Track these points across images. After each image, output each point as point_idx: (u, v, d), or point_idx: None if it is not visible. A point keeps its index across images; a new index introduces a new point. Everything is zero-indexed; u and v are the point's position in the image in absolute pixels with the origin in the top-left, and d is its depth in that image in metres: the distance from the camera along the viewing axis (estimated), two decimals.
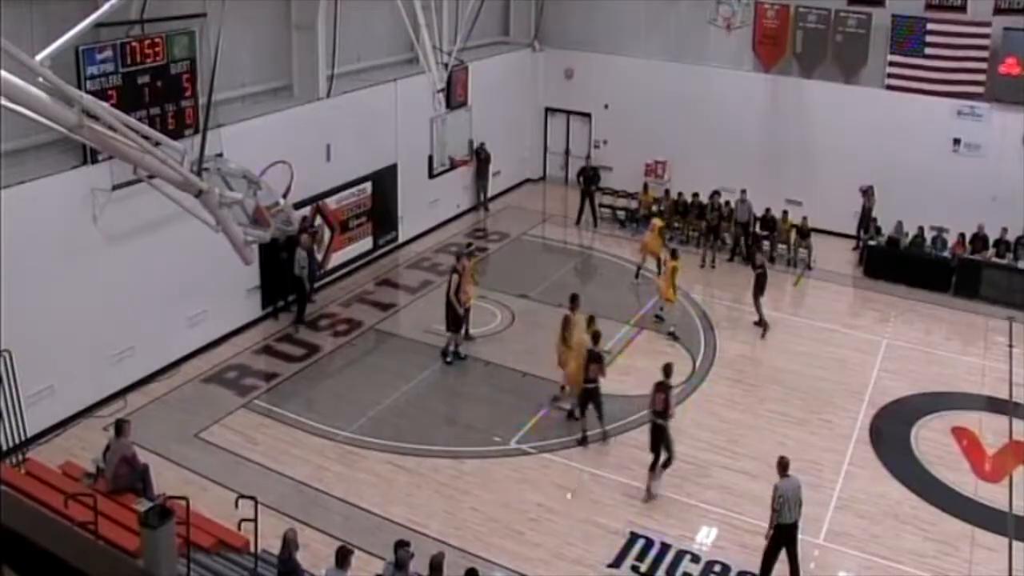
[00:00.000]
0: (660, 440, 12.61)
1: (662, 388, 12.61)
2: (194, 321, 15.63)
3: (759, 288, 17.73)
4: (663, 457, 12.67)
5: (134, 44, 13.19)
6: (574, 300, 14.99)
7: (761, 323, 17.69)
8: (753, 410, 14.87)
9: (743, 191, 21.18)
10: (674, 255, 17.54)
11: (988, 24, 19.85)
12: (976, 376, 16.35)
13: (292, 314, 17.25)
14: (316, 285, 18.15)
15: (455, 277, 15.82)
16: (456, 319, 15.91)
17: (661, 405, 12.53)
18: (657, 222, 19.78)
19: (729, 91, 22.68)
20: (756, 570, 11.13)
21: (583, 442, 13.80)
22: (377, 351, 16.90)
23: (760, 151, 22.65)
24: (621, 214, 23.27)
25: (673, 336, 17.17)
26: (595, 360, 13.61)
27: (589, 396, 13.74)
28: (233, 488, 11.59)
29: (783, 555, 10.94)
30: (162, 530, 8.60)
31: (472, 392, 15.12)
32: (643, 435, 13.96)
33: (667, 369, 12.87)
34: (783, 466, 10.95)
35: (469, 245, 19.10)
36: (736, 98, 22.60)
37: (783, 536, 10.81)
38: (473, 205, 23.64)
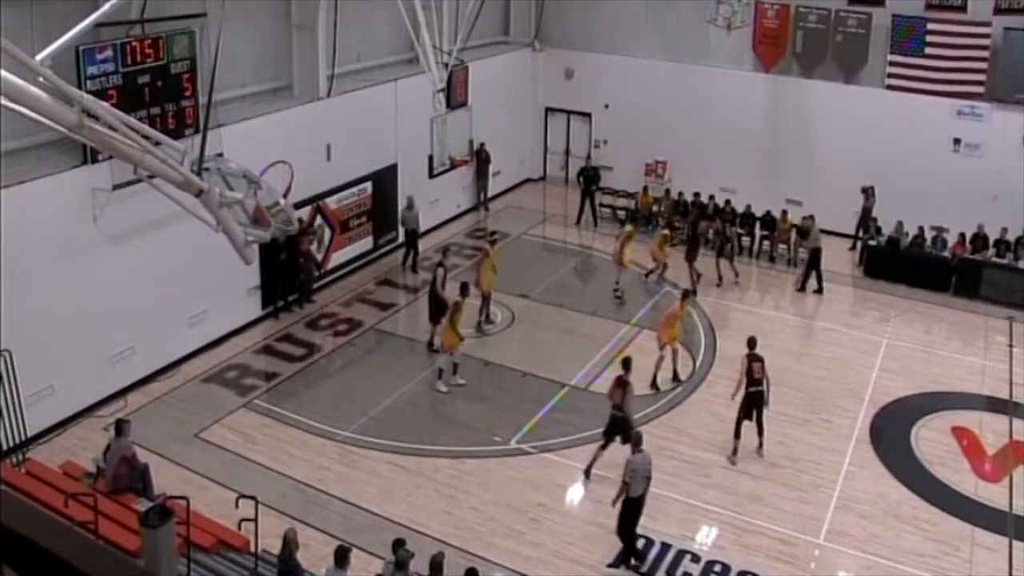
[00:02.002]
0: (756, 405, 13.39)
1: (756, 359, 13.40)
2: (194, 321, 15.63)
3: (693, 252, 19.23)
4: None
5: (134, 44, 13.18)
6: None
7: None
8: None
9: (811, 216, 20.05)
10: (633, 220, 17.71)
11: (988, 24, 19.84)
12: (976, 376, 16.33)
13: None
14: (316, 286, 18.21)
15: (440, 271, 16.08)
16: (442, 312, 15.74)
17: (760, 373, 13.29)
18: (664, 232, 19.85)
19: (729, 91, 22.65)
20: (757, 570, 11.18)
21: (587, 473, 12.91)
22: (377, 351, 16.90)
23: (760, 151, 22.64)
24: (621, 214, 23.26)
25: (618, 297, 18.56)
26: (620, 386, 12.80)
27: (615, 425, 12.72)
28: (233, 488, 11.60)
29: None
30: (162, 530, 8.60)
31: (472, 392, 15.12)
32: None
33: (751, 341, 13.76)
34: (637, 441, 11.30)
35: (493, 233, 19.00)
36: (736, 98, 22.57)
37: (634, 509, 11.06)
38: (473, 205, 23.66)
